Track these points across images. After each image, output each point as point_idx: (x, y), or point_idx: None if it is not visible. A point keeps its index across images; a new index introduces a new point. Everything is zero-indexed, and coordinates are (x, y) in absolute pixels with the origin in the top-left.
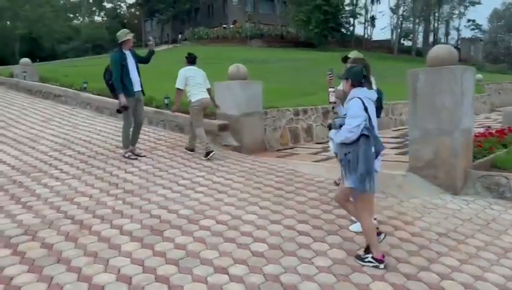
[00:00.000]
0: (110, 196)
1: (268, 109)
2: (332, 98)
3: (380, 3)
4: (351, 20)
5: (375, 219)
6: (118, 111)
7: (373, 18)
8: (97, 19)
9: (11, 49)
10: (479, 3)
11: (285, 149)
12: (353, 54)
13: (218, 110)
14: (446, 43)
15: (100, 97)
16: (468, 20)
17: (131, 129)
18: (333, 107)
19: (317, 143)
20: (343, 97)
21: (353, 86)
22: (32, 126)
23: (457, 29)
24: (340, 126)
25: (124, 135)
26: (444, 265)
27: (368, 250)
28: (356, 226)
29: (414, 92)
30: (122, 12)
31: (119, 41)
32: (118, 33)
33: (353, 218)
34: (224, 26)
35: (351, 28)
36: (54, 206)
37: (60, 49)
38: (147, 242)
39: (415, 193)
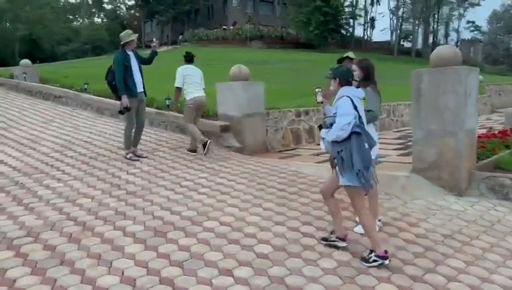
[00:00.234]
0: (113, 197)
1: (270, 110)
2: (319, 98)
3: (379, 4)
4: (351, 21)
5: (379, 221)
6: (121, 112)
7: (373, 19)
8: (97, 20)
9: (11, 51)
10: (478, 4)
11: (287, 150)
12: (349, 55)
13: None
14: (446, 44)
15: (101, 98)
16: (468, 22)
17: (133, 130)
18: (322, 107)
19: (318, 144)
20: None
21: (341, 84)
22: (33, 127)
23: (457, 31)
24: (331, 125)
25: (125, 136)
26: (450, 267)
27: (372, 250)
28: (360, 228)
29: (418, 93)
30: (121, 13)
31: (123, 42)
32: (121, 34)
33: (357, 219)
34: (224, 27)
35: (351, 30)
36: (56, 208)
37: (60, 50)
38: (151, 244)
39: (418, 194)
